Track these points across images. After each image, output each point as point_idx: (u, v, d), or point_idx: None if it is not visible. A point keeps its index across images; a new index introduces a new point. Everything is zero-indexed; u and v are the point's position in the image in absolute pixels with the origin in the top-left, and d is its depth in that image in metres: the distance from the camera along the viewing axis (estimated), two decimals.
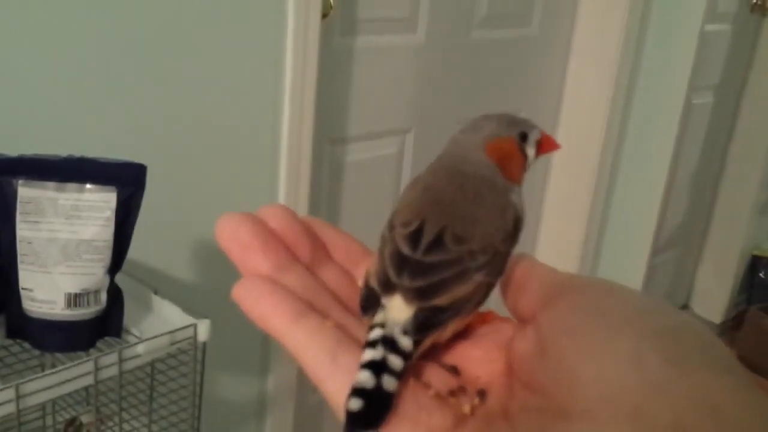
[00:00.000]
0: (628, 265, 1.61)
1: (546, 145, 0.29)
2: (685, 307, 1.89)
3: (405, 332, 0.22)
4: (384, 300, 0.23)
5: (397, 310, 0.22)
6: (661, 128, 1.51)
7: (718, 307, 1.85)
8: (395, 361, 0.21)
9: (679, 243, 1.78)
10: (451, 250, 0.23)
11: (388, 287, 0.23)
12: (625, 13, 1.38)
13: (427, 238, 0.24)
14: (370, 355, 0.21)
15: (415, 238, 0.24)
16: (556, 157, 1.52)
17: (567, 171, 1.51)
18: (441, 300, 0.22)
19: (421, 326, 0.22)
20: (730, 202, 1.81)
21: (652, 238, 1.58)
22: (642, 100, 1.50)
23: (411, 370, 0.22)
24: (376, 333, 0.22)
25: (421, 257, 0.23)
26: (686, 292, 1.90)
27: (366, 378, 0.20)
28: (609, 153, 1.50)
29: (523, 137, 0.28)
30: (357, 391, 0.20)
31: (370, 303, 0.23)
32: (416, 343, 0.22)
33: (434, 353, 0.24)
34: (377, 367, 0.20)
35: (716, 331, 1.81)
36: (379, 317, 0.22)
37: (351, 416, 0.20)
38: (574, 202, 1.53)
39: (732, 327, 1.81)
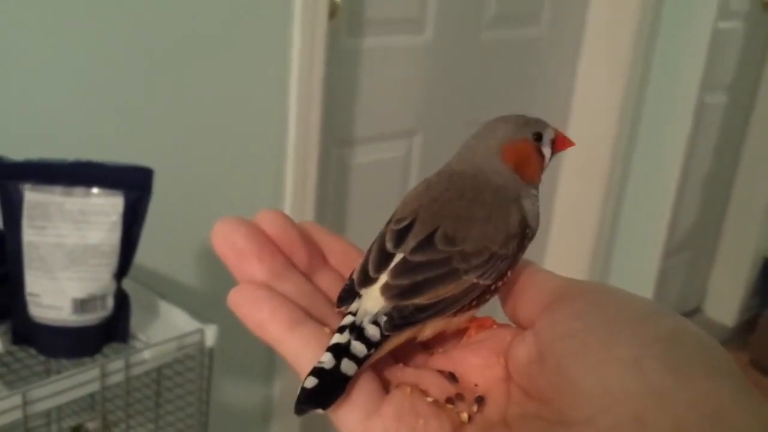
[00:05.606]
0: (640, 268, 1.59)
1: (561, 143, 0.28)
2: (697, 310, 1.87)
3: (374, 322, 0.22)
4: (361, 291, 0.23)
5: (371, 301, 0.22)
6: (674, 128, 1.49)
7: (731, 310, 1.83)
8: (358, 347, 0.21)
9: (691, 246, 1.75)
10: (439, 250, 0.23)
11: (366, 281, 0.23)
12: (636, 11, 1.36)
13: (416, 237, 0.24)
14: (336, 339, 0.21)
15: (401, 234, 0.24)
16: (566, 159, 1.51)
17: (577, 173, 1.50)
18: (422, 299, 0.23)
19: (395, 323, 0.22)
20: (743, 204, 1.79)
21: (664, 240, 1.56)
22: (653, 99, 1.48)
23: (382, 360, 0.22)
24: (347, 320, 0.22)
25: (408, 256, 0.23)
26: (699, 295, 1.88)
27: (326, 359, 0.21)
28: (620, 154, 1.48)
29: (538, 137, 0.28)
30: (315, 371, 0.20)
31: (347, 295, 0.23)
32: (387, 336, 0.22)
33: (431, 360, 0.24)
34: (339, 351, 0.21)
35: (729, 335, 1.78)
36: (353, 306, 0.23)
37: (303, 393, 0.20)
38: (584, 205, 1.51)
39: (745, 330, 1.79)
